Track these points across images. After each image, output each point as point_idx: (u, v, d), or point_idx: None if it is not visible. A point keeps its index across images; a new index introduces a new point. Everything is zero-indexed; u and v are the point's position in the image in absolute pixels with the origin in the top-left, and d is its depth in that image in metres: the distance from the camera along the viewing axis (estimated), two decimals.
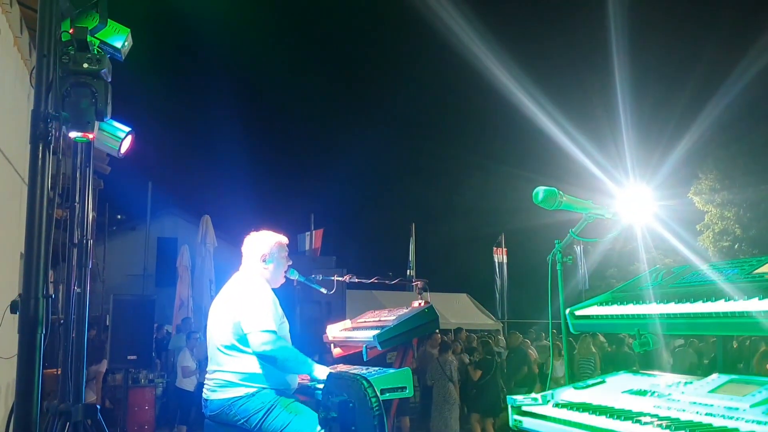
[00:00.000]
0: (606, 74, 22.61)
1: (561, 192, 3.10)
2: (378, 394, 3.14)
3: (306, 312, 6.76)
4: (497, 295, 23.21)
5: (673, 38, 27.99)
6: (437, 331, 11.44)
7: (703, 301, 2.37)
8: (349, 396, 3.21)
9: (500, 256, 23.28)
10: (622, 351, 10.76)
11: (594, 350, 10.93)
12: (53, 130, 2.33)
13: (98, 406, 3.39)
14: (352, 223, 35.20)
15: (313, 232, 16.74)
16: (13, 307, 2.29)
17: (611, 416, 2.18)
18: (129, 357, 7.35)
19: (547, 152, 24.86)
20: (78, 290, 3.36)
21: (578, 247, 20.19)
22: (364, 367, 4.09)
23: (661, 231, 21.04)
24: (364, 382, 3.06)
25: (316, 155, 46.65)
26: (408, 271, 20.61)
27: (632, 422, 2.09)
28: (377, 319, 4.60)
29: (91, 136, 3.07)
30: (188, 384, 9.95)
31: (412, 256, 21.13)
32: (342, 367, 4.25)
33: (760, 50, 19.64)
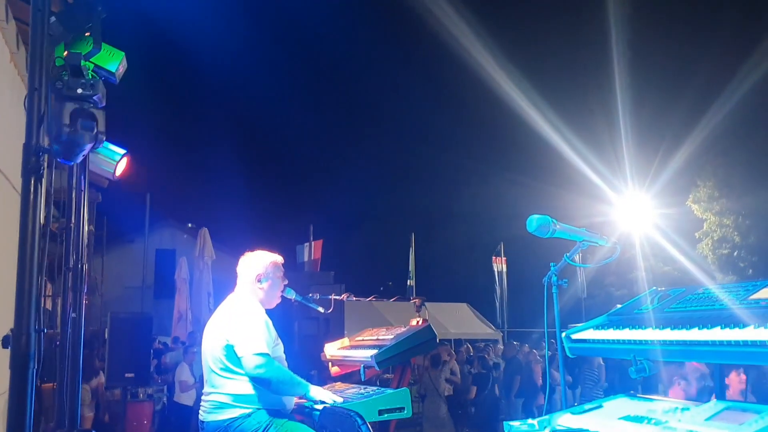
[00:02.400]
0: (605, 81, 22.68)
1: (555, 220, 3.10)
2: (371, 430, 3.13)
3: (304, 328, 6.73)
4: (497, 304, 23.20)
5: (672, 45, 28.01)
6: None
7: (699, 329, 2.37)
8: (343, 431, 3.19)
9: (500, 265, 23.30)
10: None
11: (601, 362, 10.59)
12: (44, 163, 2.33)
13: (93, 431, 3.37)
14: (352, 233, 35.26)
15: (312, 242, 16.71)
16: (5, 342, 2.28)
17: None
18: (126, 375, 7.32)
19: (546, 159, 24.91)
20: (74, 315, 3.35)
21: (577, 256, 20.15)
22: (363, 387, 4.08)
23: (659, 239, 21.10)
24: (358, 419, 3.05)
25: (314, 166, 46.79)
26: (408, 281, 20.61)
27: None
28: (375, 337, 4.59)
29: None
30: (186, 399, 9.92)
31: (411, 266, 21.13)
32: (339, 386, 4.23)
33: (759, 57, 19.67)
